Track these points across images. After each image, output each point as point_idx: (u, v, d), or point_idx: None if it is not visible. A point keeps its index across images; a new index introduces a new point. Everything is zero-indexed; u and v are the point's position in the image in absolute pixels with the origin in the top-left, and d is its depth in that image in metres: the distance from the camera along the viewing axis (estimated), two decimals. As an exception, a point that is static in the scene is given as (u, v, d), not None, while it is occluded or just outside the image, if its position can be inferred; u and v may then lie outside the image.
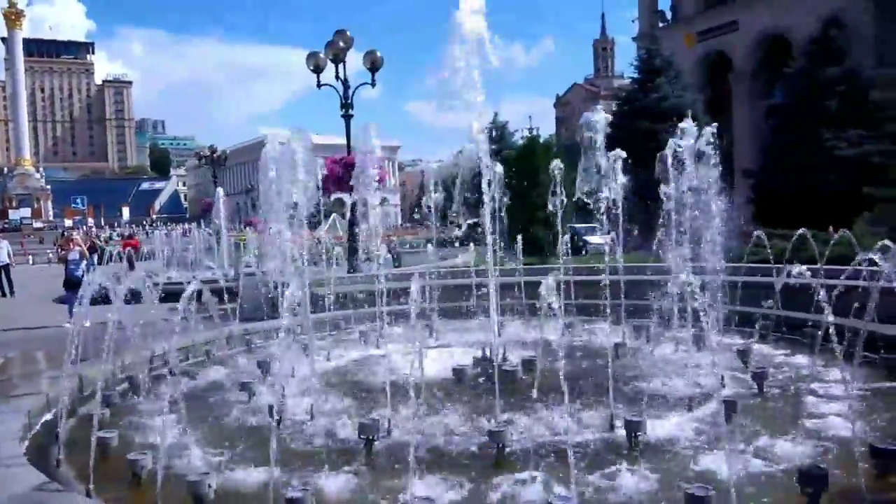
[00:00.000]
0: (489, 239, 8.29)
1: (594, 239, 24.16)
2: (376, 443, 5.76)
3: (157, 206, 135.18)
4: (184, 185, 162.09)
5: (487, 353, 8.58)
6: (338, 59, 17.81)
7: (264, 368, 8.55)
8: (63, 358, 6.49)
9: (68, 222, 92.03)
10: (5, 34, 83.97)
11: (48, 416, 6.86)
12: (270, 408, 6.53)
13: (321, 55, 18.03)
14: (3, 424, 6.07)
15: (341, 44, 17.83)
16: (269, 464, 5.41)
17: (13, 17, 76.74)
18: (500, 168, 10.83)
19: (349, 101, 17.84)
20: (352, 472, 5.26)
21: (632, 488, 4.80)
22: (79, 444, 6.04)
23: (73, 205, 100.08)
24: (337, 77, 17.88)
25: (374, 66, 18.29)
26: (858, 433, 5.09)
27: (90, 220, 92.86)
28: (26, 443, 5.96)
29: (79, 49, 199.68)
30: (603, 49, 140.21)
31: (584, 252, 22.61)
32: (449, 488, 4.90)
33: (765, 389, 7.16)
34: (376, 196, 21.05)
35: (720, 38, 39.57)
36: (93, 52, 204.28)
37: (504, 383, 7.28)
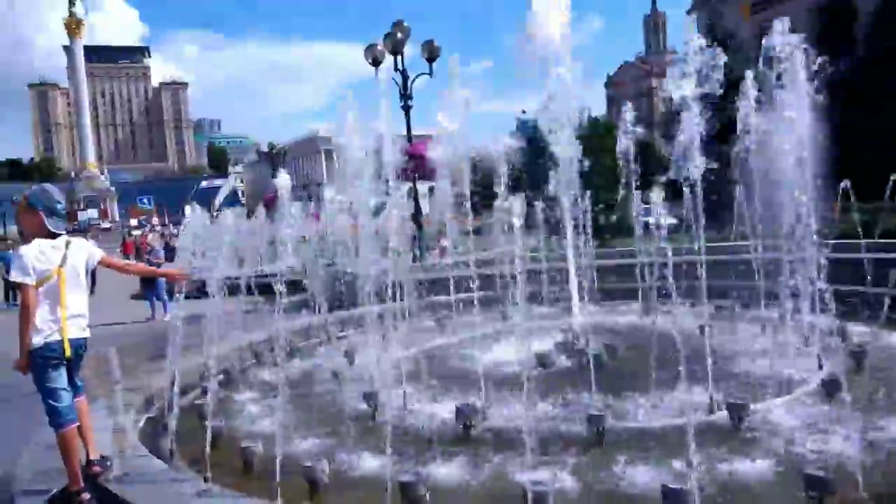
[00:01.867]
0: (568, 223, 8.24)
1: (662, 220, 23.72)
2: (474, 428, 5.83)
3: (217, 202, 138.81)
4: (241, 181, 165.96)
5: (569, 337, 8.56)
6: (396, 50, 17.89)
7: (350, 357, 8.74)
8: (157, 351, 6.73)
9: (133, 221, 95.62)
10: (66, 43, 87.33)
11: (154, 409, 7.18)
12: (367, 395, 6.70)
13: (378, 47, 18.14)
14: (114, 417, 6.39)
15: (399, 35, 17.90)
16: (372, 450, 5.61)
17: (73, 27, 79.77)
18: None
19: (409, 91, 17.93)
20: (456, 458, 5.34)
21: (744, 472, 4.72)
22: (186, 434, 6.31)
23: (140, 204, 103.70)
24: (396, 68, 17.97)
25: (431, 55, 18.32)
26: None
27: (154, 219, 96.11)
28: (136, 434, 6.23)
29: (135, 54, 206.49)
30: (654, 25, 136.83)
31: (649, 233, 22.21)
32: (555, 473, 4.92)
33: (864, 368, 6.92)
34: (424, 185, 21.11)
35: (776, 7, 38.15)
36: (148, 56, 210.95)
37: (589, 368, 7.27)
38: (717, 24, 31.43)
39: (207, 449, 5.33)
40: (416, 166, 15.52)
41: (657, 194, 11.52)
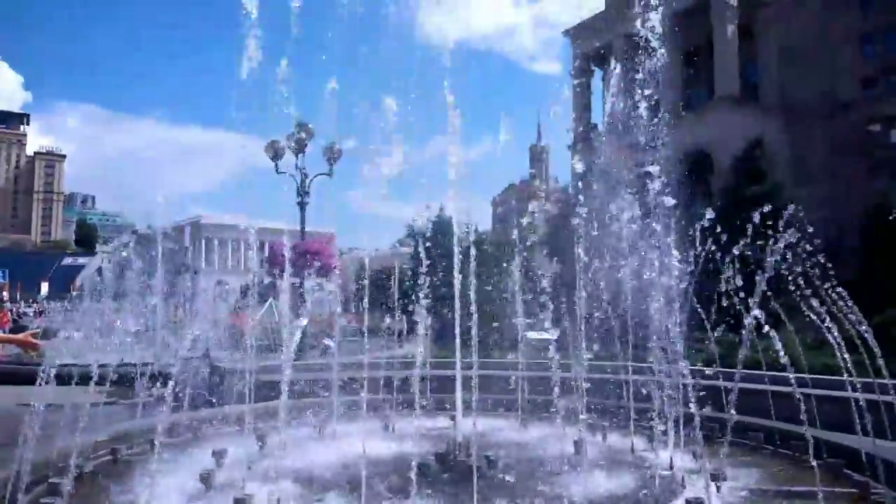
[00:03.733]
0: (457, 329, 8.43)
1: (533, 335, 24.66)
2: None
3: (78, 282, 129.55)
4: (109, 262, 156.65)
5: (450, 446, 8.54)
6: (299, 149, 18.20)
7: (218, 457, 8.25)
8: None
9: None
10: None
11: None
12: (237, 501, 6.32)
13: (280, 143, 18.38)
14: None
15: (303, 135, 18.27)
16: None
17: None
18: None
19: (307, 189, 18.12)
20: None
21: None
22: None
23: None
24: (297, 167, 18.21)
25: (332, 157, 18.75)
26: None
27: (5, 294, 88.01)
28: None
29: (12, 119, 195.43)
30: (539, 153, 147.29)
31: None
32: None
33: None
34: (312, 282, 21.04)
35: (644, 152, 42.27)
36: (27, 124, 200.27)
37: (470, 479, 7.27)
38: (592, 163, 34.33)
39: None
40: (309, 263, 15.48)
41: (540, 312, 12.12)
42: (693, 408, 8.20)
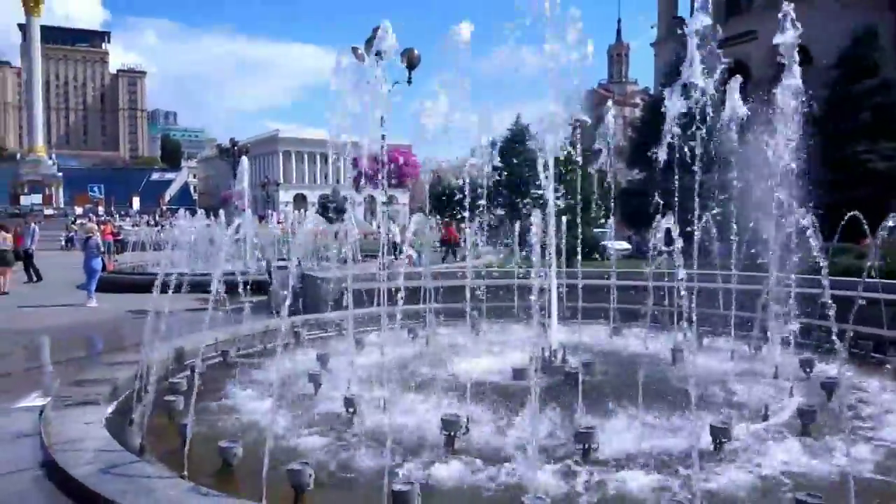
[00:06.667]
0: (551, 239, 8.29)
1: (615, 244, 24.30)
2: (458, 440, 5.75)
3: (167, 196, 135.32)
4: (194, 176, 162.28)
5: (546, 353, 8.57)
6: (379, 56, 17.80)
7: (323, 361, 8.59)
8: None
9: (78, 210, 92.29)
10: (23, 20, 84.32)
11: (119, 402, 6.91)
12: (346, 400, 6.57)
13: (360, 51, 18.01)
14: (82, 409, 6.12)
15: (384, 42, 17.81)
16: (356, 454, 5.50)
17: (31, 4, 76.98)
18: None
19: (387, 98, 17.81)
20: (440, 466, 5.26)
21: (729, 491, 4.78)
22: (156, 430, 6.08)
23: (91, 193, 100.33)
24: (378, 72, 17.85)
25: (410, 63, 18.29)
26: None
27: (100, 209, 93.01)
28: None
29: (94, 38, 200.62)
30: (618, 55, 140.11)
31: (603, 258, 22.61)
32: (547, 485, 4.87)
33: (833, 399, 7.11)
34: (382, 195, 21.09)
35: (738, 47, 39.51)
36: (108, 42, 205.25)
37: (566, 385, 7.30)
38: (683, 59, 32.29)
39: (185, 448, 5.13)
40: (392, 174, 15.41)
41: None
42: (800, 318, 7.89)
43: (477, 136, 13.37)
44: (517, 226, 15.29)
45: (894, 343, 8.90)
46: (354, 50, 17.70)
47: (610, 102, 14.08)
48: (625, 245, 29.19)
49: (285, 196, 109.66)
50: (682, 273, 4.91)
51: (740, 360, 8.78)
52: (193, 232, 9.88)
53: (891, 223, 6.17)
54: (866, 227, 8.77)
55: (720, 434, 5.58)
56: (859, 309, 6.81)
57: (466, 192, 13.23)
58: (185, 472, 4.91)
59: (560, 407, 6.39)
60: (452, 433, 5.73)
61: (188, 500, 4.26)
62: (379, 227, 17.12)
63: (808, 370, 8.06)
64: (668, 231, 7.83)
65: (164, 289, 6.97)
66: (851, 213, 8.57)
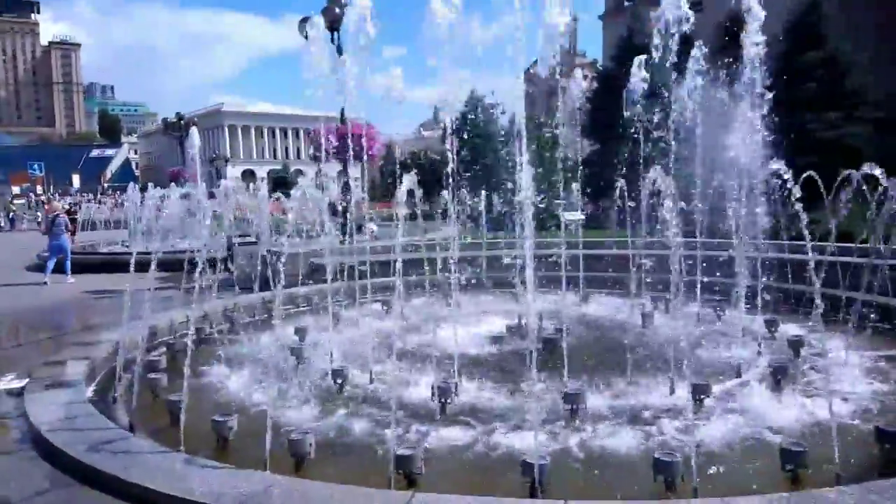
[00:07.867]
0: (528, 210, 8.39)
1: (569, 215, 24.71)
2: (450, 405, 5.87)
3: (108, 173, 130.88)
4: (135, 153, 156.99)
5: (522, 322, 8.74)
6: (333, 26, 17.49)
7: (301, 334, 8.58)
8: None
9: (15, 189, 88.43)
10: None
11: (99, 379, 6.80)
12: (334, 372, 6.60)
13: (315, 21, 17.66)
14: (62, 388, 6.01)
15: (337, 10, 17.51)
16: (349, 423, 5.56)
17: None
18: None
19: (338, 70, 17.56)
20: (440, 431, 5.37)
21: (716, 443, 5.03)
22: (145, 408, 6.03)
23: (31, 171, 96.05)
24: (334, 44, 17.56)
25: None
26: None
27: (38, 188, 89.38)
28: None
29: (22, 7, 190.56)
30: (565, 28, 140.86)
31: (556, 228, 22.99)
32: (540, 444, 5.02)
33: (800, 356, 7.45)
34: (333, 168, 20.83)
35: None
36: (38, 12, 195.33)
37: (546, 351, 7.47)
38: (638, 31, 32.67)
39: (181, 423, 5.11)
40: (347, 147, 15.27)
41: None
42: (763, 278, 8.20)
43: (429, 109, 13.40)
44: (480, 199, 15.45)
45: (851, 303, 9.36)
46: (304, 21, 17.36)
47: (577, 70, 14.17)
48: (578, 215, 29.66)
49: (233, 172, 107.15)
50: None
51: (707, 323, 9.11)
52: (165, 207, 9.54)
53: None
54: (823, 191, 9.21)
55: (701, 390, 5.82)
56: (818, 271, 7.12)
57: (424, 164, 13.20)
58: (182, 447, 4.91)
59: (545, 370, 6.55)
60: (445, 399, 5.85)
61: (193, 472, 4.27)
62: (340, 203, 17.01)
63: (772, 330, 8.44)
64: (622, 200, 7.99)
65: (134, 267, 6.90)
66: (807, 173, 8.86)
